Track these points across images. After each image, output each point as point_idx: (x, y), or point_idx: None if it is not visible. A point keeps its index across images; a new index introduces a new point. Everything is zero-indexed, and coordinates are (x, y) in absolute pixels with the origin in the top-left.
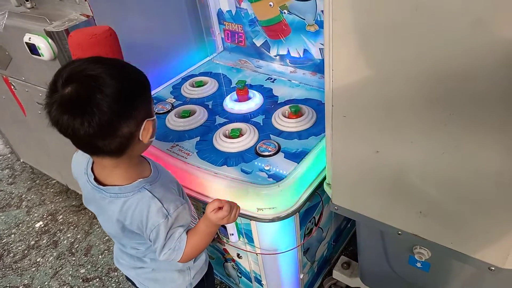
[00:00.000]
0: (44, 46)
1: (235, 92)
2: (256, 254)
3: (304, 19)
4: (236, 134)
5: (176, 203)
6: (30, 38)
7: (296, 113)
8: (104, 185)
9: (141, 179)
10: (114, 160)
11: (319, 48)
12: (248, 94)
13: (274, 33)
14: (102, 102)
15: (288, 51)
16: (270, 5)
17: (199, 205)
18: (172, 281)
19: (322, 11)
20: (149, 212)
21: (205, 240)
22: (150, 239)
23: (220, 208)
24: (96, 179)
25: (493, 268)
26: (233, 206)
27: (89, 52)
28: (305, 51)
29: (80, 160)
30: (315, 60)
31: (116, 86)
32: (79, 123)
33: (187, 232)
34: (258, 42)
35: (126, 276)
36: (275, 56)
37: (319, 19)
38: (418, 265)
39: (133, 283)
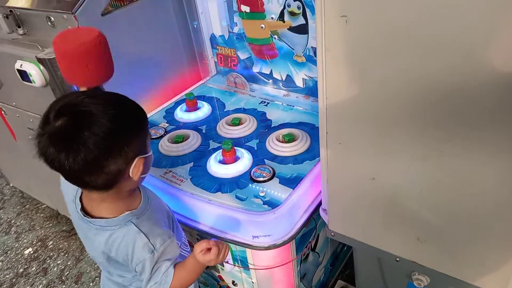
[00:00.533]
0: (36, 73)
1: (229, 116)
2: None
3: (293, 49)
4: None
5: (164, 237)
6: (21, 65)
7: (290, 142)
8: (91, 215)
9: (128, 212)
10: (101, 194)
11: (303, 78)
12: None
13: (260, 53)
14: (89, 140)
15: (271, 71)
16: (262, 27)
17: (193, 232)
18: None
19: (313, 47)
20: (135, 247)
21: (193, 276)
22: (136, 271)
23: (208, 249)
24: (83, 209)
25: None
26: (221, 248)
27: (76, 62)
28: (288, 76)
29: (69, 185)
30: (297, 87)
31: (107, 125)
32: (64, 157)
33: (175, 265)
34: (242, 56)
35: None
36: (258, 73)
37: (307, 54)
38: None
39: None
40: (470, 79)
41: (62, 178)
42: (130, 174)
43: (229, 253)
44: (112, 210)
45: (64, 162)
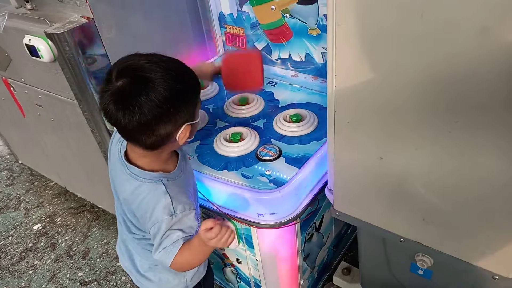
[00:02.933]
0: (44, 48)
1: (236, 96)
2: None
3: (306, 23)
4: (236, 138)
5: (185, 206)
6: (30, 39)
7: (297, 122)
8: (130, 162)
9: (161, 172)
10: (145, 151)
11: (321, 52)
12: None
13: (275, 37)
14: (145, 105)
15: (290, 55)
16: (272, 8)
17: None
18: (167, 282)
19: (325, 15)
20: (157, 205)
21: (197, 257)
22: (150, 233)
23: (212, 228)
24: (126, 153)
25: (497, 277)
26: (224, 229)
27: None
28: (307, 55)
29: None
30: (316, 64)
31: (163, 93)
32: (121, 116)
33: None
34: (260, 46)
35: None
36: (277, 60)
37: (321, 23)
38: (420, 272)
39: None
40: (482, 60)
41: None
42: (177, 138)
43: (234, 231)
44: (148, 165)
45: (121, 120)
